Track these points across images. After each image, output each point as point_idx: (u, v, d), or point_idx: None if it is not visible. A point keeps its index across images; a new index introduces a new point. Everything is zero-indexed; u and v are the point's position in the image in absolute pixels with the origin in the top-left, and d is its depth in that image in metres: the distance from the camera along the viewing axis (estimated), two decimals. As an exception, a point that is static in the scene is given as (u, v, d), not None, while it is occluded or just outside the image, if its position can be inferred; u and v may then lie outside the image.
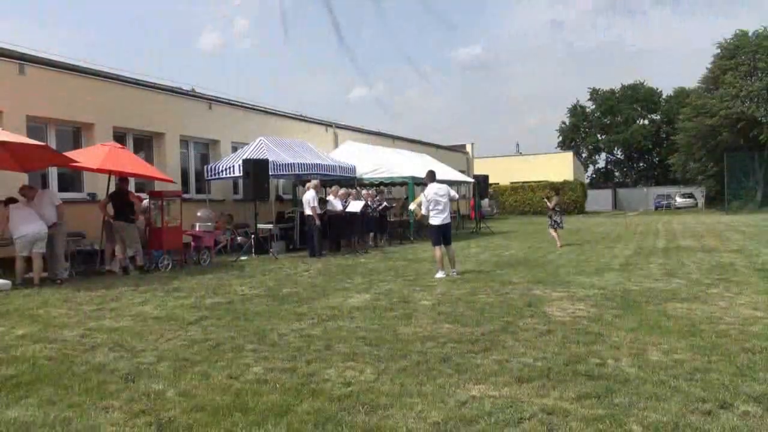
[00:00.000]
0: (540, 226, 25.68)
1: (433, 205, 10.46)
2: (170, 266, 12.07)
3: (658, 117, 69.35)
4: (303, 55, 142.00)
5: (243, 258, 14.13)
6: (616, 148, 72.06)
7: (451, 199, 10.71)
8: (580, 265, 11.61)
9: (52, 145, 12.58)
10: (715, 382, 4.27)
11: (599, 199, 56.66)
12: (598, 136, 71.90)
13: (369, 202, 16.46)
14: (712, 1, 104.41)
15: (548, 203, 16.94)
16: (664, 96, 69.29)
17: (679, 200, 53.09)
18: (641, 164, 74.32)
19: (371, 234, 17.04)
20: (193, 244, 13.45)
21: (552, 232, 16.58)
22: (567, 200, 43.66)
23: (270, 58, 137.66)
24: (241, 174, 14.46)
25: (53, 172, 13.22)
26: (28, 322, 6.81)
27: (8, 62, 12.21)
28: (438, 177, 11.03)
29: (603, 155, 74.58)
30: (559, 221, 16.35)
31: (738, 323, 6.13)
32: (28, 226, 9.91)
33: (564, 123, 73.91)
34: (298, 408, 3.94)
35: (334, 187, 16.66)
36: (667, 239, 18.03)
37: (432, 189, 10.53)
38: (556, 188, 17.87)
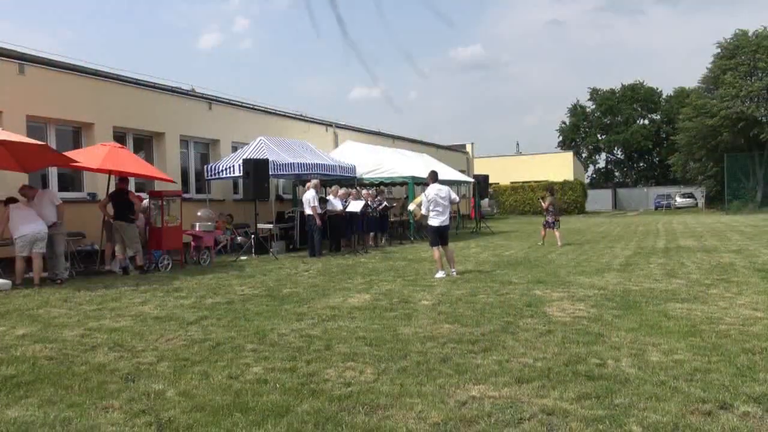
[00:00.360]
0: (540, 226, 25.69)
1: (433, 205, 10.45)
2: (170, 266, 12.07)
3: (658, 117, 69.40)
4: (303, 54, 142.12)
5: (243, 258, 14.13)
6: (616, 148, 72.11)
7: (452, 202, 10.68)
8: (580, 265, 11.61)
9: (52, 144, 12.58)
10: (715, 383, 4.27)
11: (599, 199, 56.71)
12: (598, 136, 71.95)
13: (369, 202, 16.46)
14: (712, 1, 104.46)
15: (542, 203, 17.12)
16: (664, 96, 69.37)
17: (679, 200, 53.12)
18: (641, 164, 74.37)
19: (371, 234, 17.04)
20: (193, 243, 13.46)
21: (542, 231, 16.84)
22: (567, 200, 44.02)
23: (270, 57, 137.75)
24: (242, 174, 14.46)
25: (53, 172, 13.22)
26: (28, 322, 6.81)
27: (8, 62, 12.21)
28: (439, 177, 11.02)
29: (603, 155, 74.69)
30: (552, 221, 16.49)
31: (738, 324, 6.13)
32: (28, 226, 9.91)
33: (564, 123, 74.02)
34: (298, 408, 3.93)
35: (334, 187, 16.67)
36: (667, 239, 18.03)
37: (433, 189, 10.52)
38: (551, 188, 18.12)
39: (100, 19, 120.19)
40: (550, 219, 16.50)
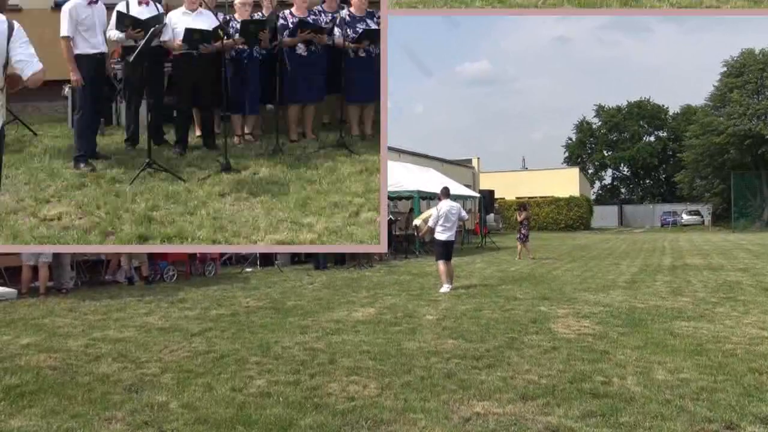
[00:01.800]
0: (545, 241, 25.68)
1: (443, 220, 10.47)
2: (175, 277, 12.08)
3: (665, 134, 69.33)
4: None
5: (248, 270, 14.14)
6: (622, 165, 71.99)
7: (460, 219, 10.76)
8: (586, 281, 11.56)
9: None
10: (721, 402, 4.23)
11: (605, 215, 56.52)
12: (605, 152, 71.88)
13: (374, 216, 16.46)
14: (719, 20, 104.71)
15: (518, 216, 18.11)
16: (670, 113, 69.33)
17: (685, 217, 52.86)
18: (648, 181, 74.16)
19: (376, 247, 17.02)
20: (198, 255, 13.47)
21: (519, 245, 17.60)
22: (573, 216, 44.50)
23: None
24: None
25: (61, 182, 13.27)
26: (32, 331, 6.82)
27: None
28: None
29: (609, 171, 74.57)
30: (525, 234, 17.44)
31: (745, 343, 6.08)
32: (35, 236, 9.95)
33: (570, 139, 74.01)
34: (302, 422, 3.92)
35: (339, 200, 16.68)
36: (674, 257, 17.94)
37: (446, 205, 10.54)
38: (524, 204, 19.39)
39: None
40: (524, 231, 17.43)
